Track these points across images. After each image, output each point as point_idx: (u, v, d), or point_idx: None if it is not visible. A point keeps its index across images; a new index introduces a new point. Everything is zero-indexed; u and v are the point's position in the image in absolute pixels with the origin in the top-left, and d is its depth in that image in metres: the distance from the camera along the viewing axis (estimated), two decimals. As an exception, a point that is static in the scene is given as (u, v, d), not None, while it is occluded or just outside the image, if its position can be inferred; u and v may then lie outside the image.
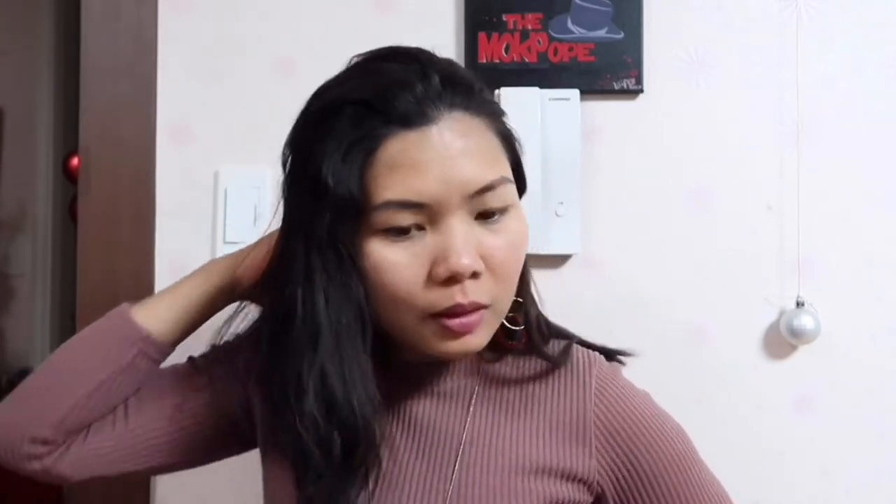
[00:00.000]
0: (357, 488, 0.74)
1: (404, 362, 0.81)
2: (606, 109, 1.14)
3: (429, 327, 0.73)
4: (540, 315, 0.85)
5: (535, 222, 1.07)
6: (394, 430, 0.80)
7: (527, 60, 1.13)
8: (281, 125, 1.17)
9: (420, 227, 0.71)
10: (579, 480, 0.78)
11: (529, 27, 1.13)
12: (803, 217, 1.11)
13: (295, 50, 1.19)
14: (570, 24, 1.13)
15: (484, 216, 0.72)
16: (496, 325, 0.76)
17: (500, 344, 0.81)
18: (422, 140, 0.70)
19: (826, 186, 1.12)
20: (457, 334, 0.72)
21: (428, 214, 0.70)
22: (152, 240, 1.20)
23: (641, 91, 1.13)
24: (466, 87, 0.74)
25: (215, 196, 1.19)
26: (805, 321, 1.08)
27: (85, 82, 1.20)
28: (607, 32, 1.12)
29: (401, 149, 0.69)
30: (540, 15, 1.13)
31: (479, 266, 0.71)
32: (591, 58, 1.13)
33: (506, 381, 0.82)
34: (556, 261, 1.13)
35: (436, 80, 0.72)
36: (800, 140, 1.11)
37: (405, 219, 0.70)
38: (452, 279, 0.70)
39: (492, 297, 0.73)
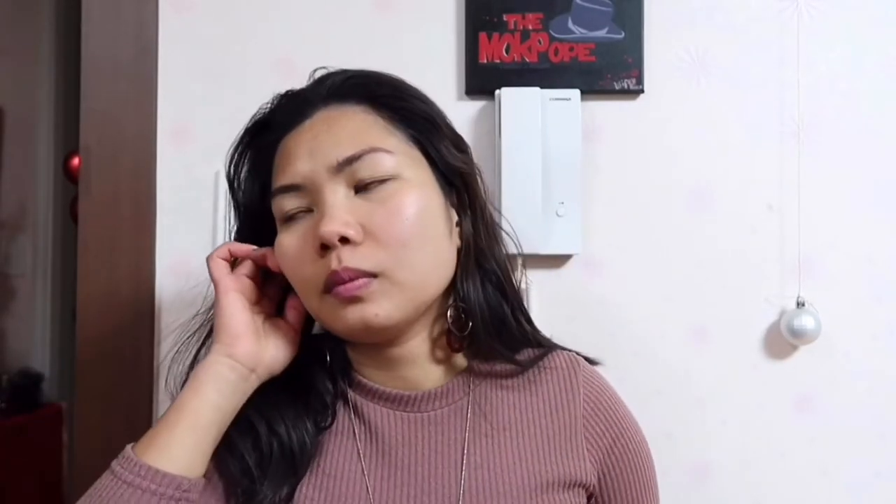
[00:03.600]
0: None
1: (395, 394, 0.80)
2: (607, 109, 1.14)
3: (327, 302, 0.74)
4: (499, 319, 0.82)
5: (536, 222, 1.08)
6: (390, 460, 0.78)
7: (527, 60, 1.13)
8: (281, 125, 1.18)
9: (309, 210, 0.76)
10: (580, 485, 0.79)
11: (530, 27, 1.13)
12: (804, 217, 1.11)
13: (295, 50, 1.19)
14: (570, 24, 1.13)
15: (365, 187, 0.74)
16: (404, 299, 0.74)
17: (451, 347, 0.81)
18: (296, 134, 0.78)
19: (826, 186, 1.12)
20: (346, 300, 0.72)
21: (308, 195, 0.75)
22: (153, 239, 1.19)
23: (642, 91, 1.13)
24: (347, 81, 0.80)
25: (216, 196, 1.19)
26: (805, 321, 1.08)
27: (85, 82, 1.20)
28: (608, 32, 1.12)
29: (283, 146, 0.78)
30: (540, 15, 1.13)
31: (348, 232, 0.72)
32: (592, 58, 1.12)
33: (496, 396, 0.81)
34: (556, 261, 1.13)
35: (312, 86, 0.82)
36: (800, 140, 1.11)
37: (289, 202, 0.76)
38: (325, 248, 0.73)
39: (377, 265, 0.72)
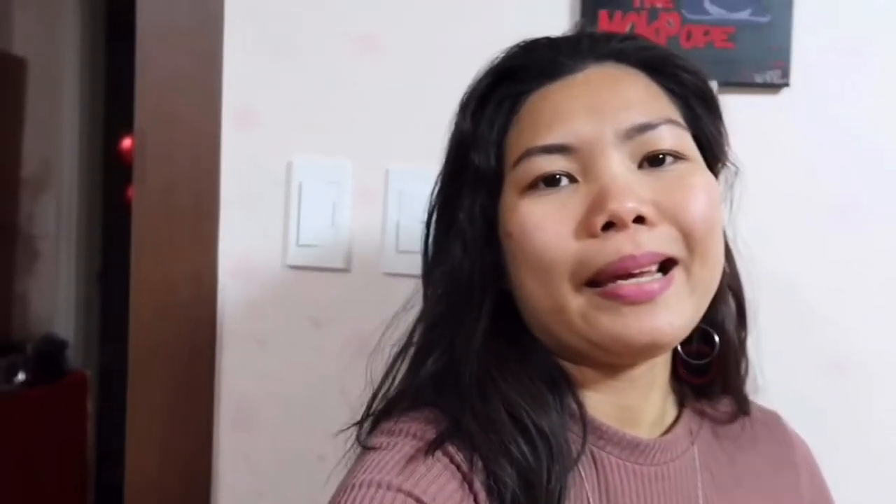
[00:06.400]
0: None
1: (629, 440, 0.64)
2: (745, 105, 0.98)
3: (590, 301, 0.58)
4: (737, 352, 0.72)
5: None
6: None
7: (655, 45, 0.98)
8: (363, 110, 1.04)
9: (572, 179, 0.60)
10: None
11: (659, 6, 0.98)
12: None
13: (379, 24, 1.03)
14: (707, 4, 0.97)
15: (651, 163, 0.60)
16: (696, 305, 0.60)
17: (684, 380, 0.70)
18: (565, 86, 0.63)
19: None
20: (632, 301, 0.57)
21: (579, 161, 0.60)
22: (215, 237, 1.06)
23: (787, 85, 0.97)
24: (624, 41, 0.66)
25: (288, 190, 1.05)
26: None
27: (141, 56, 1.05)
28: (751, 15, 0.97)
29: (543, 98, 0.63)
30: (671, -9, 0.98)
31: (644, 210, 0.57)
32: (730, 44, 0.97)
33: (718, 445, 0.71)
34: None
35: (576, 37, 0.67)
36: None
37: (552, 163, 0.60)
38: (612, 226, 0.57)
39: (679, 251, 0.59)
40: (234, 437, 1.07)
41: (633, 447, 0.63)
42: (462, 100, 0.67)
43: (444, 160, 0.69)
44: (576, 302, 0.59)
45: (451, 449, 0.58)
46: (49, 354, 2.71)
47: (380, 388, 0.67)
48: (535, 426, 0.59)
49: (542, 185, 0.61)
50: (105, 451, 2.90)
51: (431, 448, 0.58)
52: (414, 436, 0.60)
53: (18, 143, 2.84)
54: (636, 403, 0.65)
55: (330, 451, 0.69)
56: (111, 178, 3.13)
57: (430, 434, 0.59)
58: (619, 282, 0.57)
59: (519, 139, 0.63)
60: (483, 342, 0.63)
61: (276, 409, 1.07)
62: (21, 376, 2.58)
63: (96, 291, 3.12)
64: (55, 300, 2.95)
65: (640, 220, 0.57)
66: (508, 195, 0.63)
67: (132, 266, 1.07)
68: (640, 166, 0.61)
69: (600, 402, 0.64)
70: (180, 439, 1.07)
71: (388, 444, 0.59)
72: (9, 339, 2.72)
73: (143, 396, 1.08)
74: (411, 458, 0.58)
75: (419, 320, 0.68)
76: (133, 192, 1.07)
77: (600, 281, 0.58)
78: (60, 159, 2.95)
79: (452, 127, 0.67)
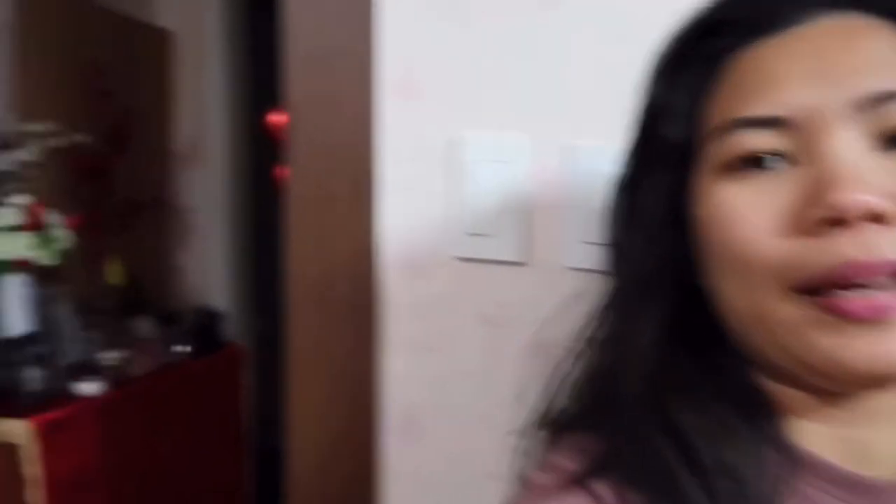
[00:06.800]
0: None
1: (854, 479, 0.52)
2: None
3: (803, 312, 0.47)
4: None
5: None
6: None
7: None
8: (543, 77, 0.87)
9: (786, 161, 0.49)
10: None
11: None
12: None
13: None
14: None
15: (894, 143, 0.47)
16: None
17: None
18: (783, 43, 0.51)
19: None
20: (860, 318, 0.45)
21: (795, 138, 0.48)
22: (373, 227, 0.95)
23: None
24: None
25: (455, 171, 0.92)
26: None
27: (290, 23, 0.94)
28: None
29: (753, 57, 0.51)
30: None
31: (884, 205, 0.45)
32: None
33: None
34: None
35: None
36: None
37: (760, 140, 0.49)
38: (833, 222, 0.45)
39: None
40: (402, 451, 0.97)
41: (864, 490, 0.51)
42: (653, 60, 0.56)
43: (631, 132, 0.58)
44: (784, 311, 0.48)
45: (598, 486, 0.50)
46: (205, 326, 2.75)
47: (549, 402, 0.60)
48: (713, 460, 0.49)
49: (745, 165, 0.50)
50: (262, 418, 2.95)
51: (570, 484, 0.51)
52: (558, 469, 0.53)
53: (169, 116, 2.88)
54: (866, 436, 0.52)
55: (507, 471, 0.60)
56: (260, 151, 3.14)
57: (576, 467, 0.52)
58: (841, 292, 0.45)
59: (719, 108, 0.52)
60: (656, 350, 0.54)
61: (445, 421, 0.95)
62: (180, 348, 2.63)
63: (250, 264, 3.15)
64: (209, 272, 3.00)
65: (877, 218, 0.45)
66: (702, 175, 0.52)
67: (287, 259, 0.97)
68: (881, 148, 0.48)
69: (816, 432, 0.52)
70: (342, 450, 0.98)
71: (535, 480, 0.54)
72: (167, 311, 2.79)
73: (302, 402, 0.99)
74: (546, 498, 0.51)
75: (592, 321, 0.60)
76: (285, 175, 0.96)
77: (816, 288, 0.46)
78: (209, 133, 2.97)
79: (641, 93, 0.57)
